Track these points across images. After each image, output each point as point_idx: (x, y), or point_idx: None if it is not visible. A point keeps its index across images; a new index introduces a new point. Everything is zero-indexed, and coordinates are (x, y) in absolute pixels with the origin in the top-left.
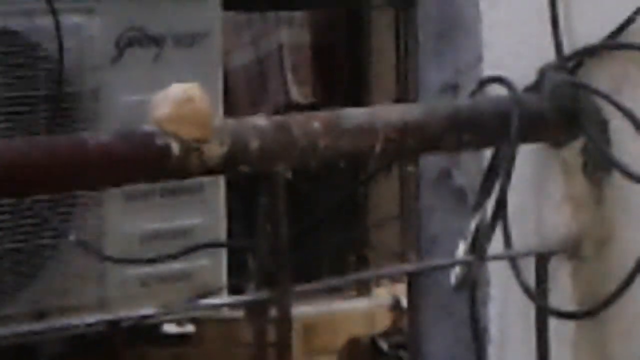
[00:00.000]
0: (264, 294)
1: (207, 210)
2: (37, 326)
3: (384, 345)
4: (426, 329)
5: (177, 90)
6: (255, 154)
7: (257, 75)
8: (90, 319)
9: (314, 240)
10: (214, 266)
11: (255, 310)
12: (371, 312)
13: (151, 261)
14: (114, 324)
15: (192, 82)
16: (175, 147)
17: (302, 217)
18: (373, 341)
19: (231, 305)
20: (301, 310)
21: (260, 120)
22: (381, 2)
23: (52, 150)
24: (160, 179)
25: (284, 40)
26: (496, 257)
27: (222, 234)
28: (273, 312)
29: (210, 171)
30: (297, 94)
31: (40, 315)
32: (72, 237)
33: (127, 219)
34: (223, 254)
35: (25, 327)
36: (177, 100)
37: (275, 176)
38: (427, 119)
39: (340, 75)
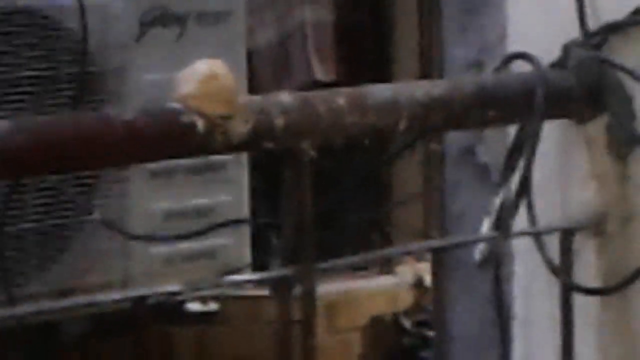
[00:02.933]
0: (288, 271)
1: (230, 188)
2: (62, 303)
3: (406, 323)
4: (450, 307)
5: (201, 66)
6: (280, 131)
7: (281, 54)
8: (116, 295)
9: (338, 218)
10: (238, 244)
11: (279, 287)
12: (394, 290)
13: (175, 239)
14: (139, 300)
15: (216, 59)
16: (200, 124)
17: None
18: (396, 319)
19: (256, 282)
20: (324, 288)
21: (285, 97)
22: None
23: (76, 127)
24: (184, 156)
25: (307, 19)
26: (520, 234)
27: (245, 212)
28: (297, 289)
29: (235, 148)
30: (320, 72)
31: (65, 294)
32: (96, 215)
33: (151, 196)
34: (247, 231)
35: (49, 304)
36: (201, 77)
37: (300, 153)
38: (451, 96)
39: (364, 54)
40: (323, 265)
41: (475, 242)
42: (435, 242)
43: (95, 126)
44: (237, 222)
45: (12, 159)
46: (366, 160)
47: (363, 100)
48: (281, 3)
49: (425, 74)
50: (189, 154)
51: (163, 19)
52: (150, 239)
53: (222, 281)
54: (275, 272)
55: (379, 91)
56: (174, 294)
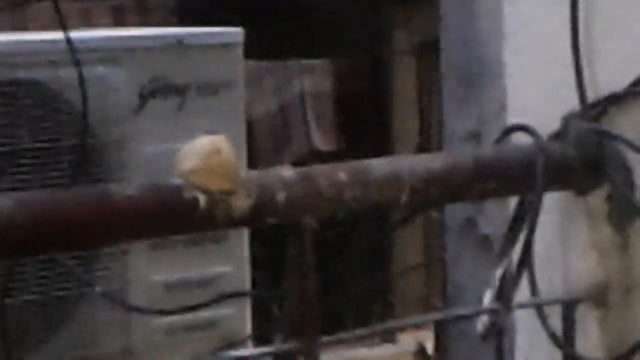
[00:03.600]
0: (292, 345)
1: (231, 259)
2: None
3: None
4: None
5: (203, 142)
6: (282, 206)
7: (280, 124)
8: None
9: (340, 287)
10: (239, 315)
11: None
12: (396, 359)
13: (177, 311)
14: None
15: (217, 134)
16: (202, 200)
17: (328, 264)
18: None
19: (260, 356)
20: (327, 358)
21: (286, 172)
22: (404, 49)
23: (78, 204)
24: (187, 232)
25: (307, 88)
26: (523, 305)
27: (246, 283)
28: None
29: (237, 223)
30: (320, 141)
31: None
32: (97, 288)
33: (151, 268)
34: (248, 303)
35: None
36: (203, 152)
37: (302, 227)
38: (452, 169)
39: (364, 123)
40: (326, 339)
41: (477, 314)
42: (437, 315)
43: (97, 203)
44: (239, 294)
45: (14, 238)
46: (368, 230)
47: (364, 175)
48: (280, 73)
49: (424, 143)
50: (191, 230)
51: (163, 90)
52: (152, 312)
53: (225, 357)
54: (278, 346)
55: (380, 166)
56: None
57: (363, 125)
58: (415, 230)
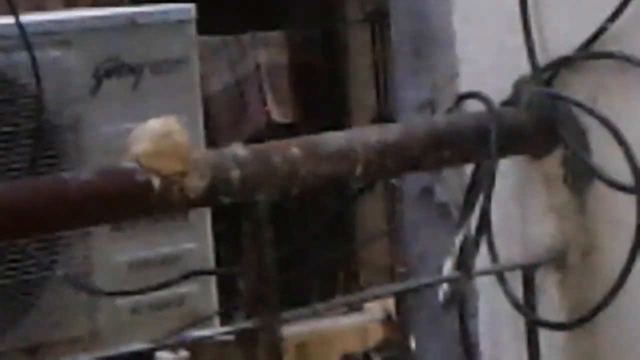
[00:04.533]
0: (253, 322)
1: (193, 236)
2: None
3: (377, 359)
4: (418, 345)
5: (154, 124)
6: (237, 185)
7: (237, 98)
8: (84, 357)
9: (303, 258)
10: (205, 292)
11: (246, 337)
12: (363, 327)
13: (141, 292)
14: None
15: (173, 111)
16: (156, 183)
17: (290, 236)
18: (366, 356)
19: (222, 334)
20: (293, 329)
21: (240, 150)
22: (357, 19)
23: (33, 193)
24: (143, 215)
25: (262, 61)
26: (483, 273)
27: (210, 259)
28: (264, 337)
29: (192, 204)
30: (277, 114)
31: (33, 351)
32: (59, 272)
33: (114, 248)
34: (213, 279)
35: None
36: (154, 134)
37: (257, 204)
38: (405, 139)
39: (320, 94)
40: (288, 314)
41: (438, 283)
42: (398, 286)
43: (53, 190)
44: (201, 272)
45: None
46: (328, 200)
47: (317, 149)
48: (234, 47)
49: (380, 112)
50: (147, 213)
51: (117, 70)
52: (116, 293)
53: (189, 336)
54: (239, 325)
55: (333, 139)
56: (141, 352)
57: (319, 97)
58: (377, 198)
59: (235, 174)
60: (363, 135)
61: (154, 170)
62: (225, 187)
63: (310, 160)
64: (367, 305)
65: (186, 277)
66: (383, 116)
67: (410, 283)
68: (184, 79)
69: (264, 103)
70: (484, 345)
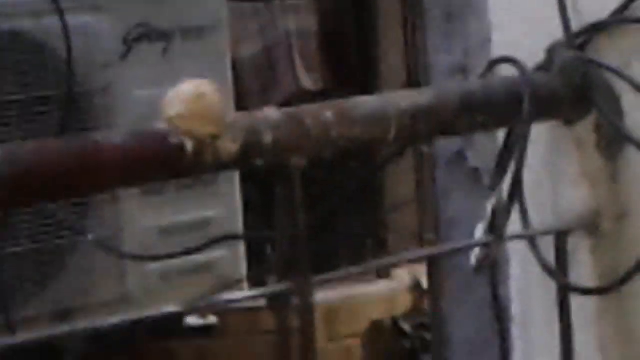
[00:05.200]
0: (285, 286)
1: (222, 202)
2: (61, 329)
3: (406, 326)
4: (448, 311)
5: (188, 87)
6: (269, 147)
7: (266, 64)
8: (114, 319)
9: (332, 225)
10: (233, 257)
11: (277, 301)
12: (392, 294)
13: (170, 256)
14: (137, 323)
15: (203, 77)
16: (188, 145)
17: (319, 203)
18: (395, 323)
19: (253, 298)
20: (322, 295)
21: (273, 113)
22: None
23: (65, 154)
24: (174, 178)
25: (292, 28)
26: (515, 237)
27: (238, 225)
28: (295, 301)
29: (225, 167)
30: (306, 80)
31: (63, 315)
32: (90, 236)
33: (144, 214)
34: (241, 244)
35: (49, 331)
36: (188, 97)
37: (290, 168)
38: (438, 103)
39: (349, 60)
40: (319, 278)
41: (470, 247)
42: (429, 250)
43: (84, 152)
44: (232, 237)
45: (1, 190)
46: (357, 167)
47: (350, 113)
48: (265, 14)
49: (410, 79)
50: (179, 175)
51: (147, 35)
52: (146, 258)
53: (219, 300)
54: (271, 288)
55: (366, 103)
56: (172, 315)
57: (349, 63)
58: (406, 164)
59: (268, 136)
60: (396, 100)
61: (187, 133)
62: (258, 150)
63: (343, 124)
64: (396, 272)
65: (217, 241)
66: (413, 82)
67: (442, 247)
68: (214, 45)
69: (294, 69)
70: (515, 311)
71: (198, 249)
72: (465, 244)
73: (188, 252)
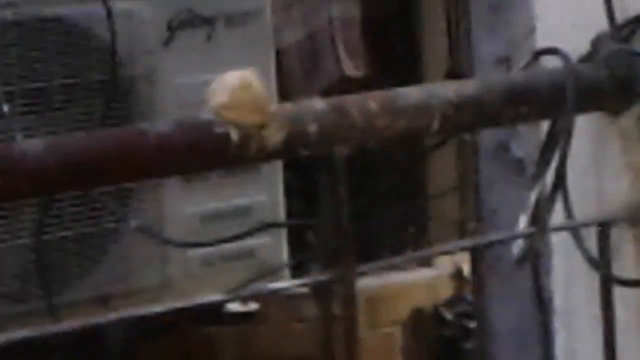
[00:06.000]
0: (328, 275)
1: (265, 189)
2: (104, 317)
3: (447, 314)
4: (490, 301)
5: (233, 76)
6: (314, 138)
7: (309, 51)
8: (158, 307)
9: (374, 213)
10: (275, 244)
11: (320, 289)
12: (433, 281)
13: (212, 243)
14: (181, 311)
15: (247, 64)
16: (234, 135)
17: (361, 191)
18: (436, 311)
19: (296, 287)
20: (363, 283)
21: (317, 103)
22: None
23: (111, 144)
24: (219, 167)
25: (335, 15)
26: (558, 228)
27: (280, 212)
28: (338, 289)
29: (270, 156)
30: (349, 68)
31: (104, 300)
32: (132, 223)
33: (185, 200)
34: (283, 232)
35: (93, 319)
36: (234, 87)
37: (334, 157)
38: (482, 94)
39: (392, 48)
40: (363, 267)
41: (512, 238)
42: (471, 241)
43: (130, 141)
44: (274, 225)
45: (47, 179)
46: (401, 155)
47: (395, 103)
48: (308, 1)
49: (453, 68)
50: (224, 165)
51: (191, 21)
52: (188, 244)
53: (263, 288)
54: (315, 277)
55: (410, 93)
56: (216, 303)
57: (392, 51)
58: (448, 153)
59: (313, 126)
60: (440, 90)
61: (232, 123)
62: (302, 140)
63: (388, 114)
64: (437, 260)
65: (259, 229)
66: (456, 71)
67: (485, 238)
68: (257, 31)
69: (336, 57)
70: (558, 302)
71: (240, 236)
72: (508, 235)
73: (231, 239)
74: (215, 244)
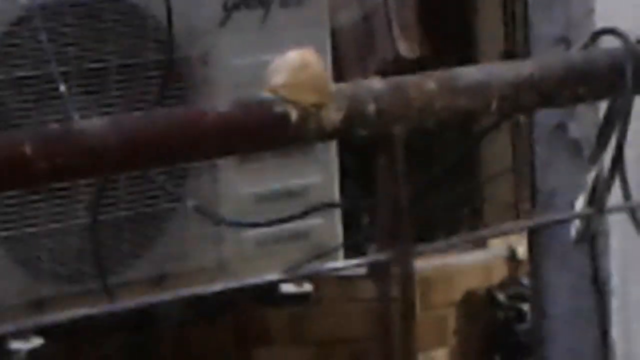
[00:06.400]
0: (386, 255)
1: (320, 170)
2: (162, 296)
3: (500, 296)
4: (547, 282)
5: (293, 56)
6: (373, 117)
7: (364, 32)
8: (216, 286)
9: (429, 194)
10: (329, 225)
11: (378, 270)
12: (487, 264)
13: (268, 224)
14: (236, 292)
15: (302, 45)
16: (293, 114)
17: (417, 172)
18: (490, 293)
19: (354, 267)
20: (417, 266)
21: (376, 83)
22: None
23: (171, 123)
24: (279, 147)
25: None
26: (615, 209)
27: (335, 193)
28: (395, 270)
29: (328, 136)
30: (404, 48)
31: (160, 280)
32: (189, 203)
33: (241, 180)
34: (338, 212)
35: (147, 298)
36: (293, 66)
37: (392, 137)
38: (541, 75)
39: (447, 29)
40: (421, 247)
41: (570, 219)
42: (530, 222)
43: (191, 120)
44: (330, 205)
45: (108, 158)
46: (456, 137)
47: (453, 84)
48: None
49: (508, 48)
50: (283, 144)
51: (246, 2)
52: (242, 224)
53: (321, 268)
54: (373, 257)
55: (469, 73)
56: (271, 283)
57: (447, 31)
58: (503, 135)
59: (371, 106)
60: (498, 71)
61: (292, 102)
62: (361, 120)
63: (446, 95)
64: (491, 242)
65: (315, 209)
66: (512, 52)
67: (543, 219)
68: (313, 12)
69: (391, 37)
70: (615, 283)
71: (295, 217)
72: (566, 216)
73: (286, 219)
74: (270, 224)
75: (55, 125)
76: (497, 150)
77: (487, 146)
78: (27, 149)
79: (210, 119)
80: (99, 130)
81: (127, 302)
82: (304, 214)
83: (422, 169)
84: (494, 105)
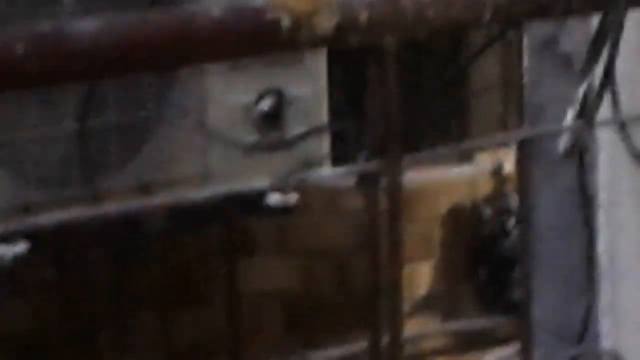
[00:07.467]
0: (376, 164)
1: (308, 80)
2: (148, 201)
3: (486, 211)
4: (533, 195)
5: None
6: (365, 26)
7: None
8: (205, 192)
9: (417, 107)
10: (316, 136)
11: (366, 180)
12: (473, 178)
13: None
14: (227, 197)
15: None
16: (285, 20)
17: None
18: (475, 207)
19: (343, 175)
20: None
21: None
22: None
23: (163, 26)
24: (270, 52)
25: None
26: (605, 122)
27: (323, 104)
28: (383, 181)
29: (320, 43)
30: None
31: (146, 188)
32: (173, 110)
33: (228, 89)
34: (325, 122)
35: (136, 203)
36: None
37: (384, 48)
38: None
39: None
40: (410, 157)
41: (559, 131)
42: (519, 133)
43: (181, 24)
44: (320, 130)
45: (99, 60)
46: (446, 50)
47: None
48: None
49: None
50: (275, 50)
51: None
52: (230, 137)
53: (310, 176)
54: (362, 165)
55: None
56: (262, 190)
57: None
58: (492, 49)
59: (364, 14)
60: None
61: (284, 9)
62: (353, 28)
63: (439, 4)
64: (478, 157)
65: (308, 133)
66: None
67: (532, 131)
68: None
69: None
70: (603, 197)
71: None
72: (555, 128)
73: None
74: (257, 134)
75: (47, 25)
76: (487, 64)
77: (476, 62)
78: (19, 49)
79: (202, 24)
80: (93, 32)
81: (114, 206)
82: (301, 137)
83: (412, 85)
84: (487, 16)
